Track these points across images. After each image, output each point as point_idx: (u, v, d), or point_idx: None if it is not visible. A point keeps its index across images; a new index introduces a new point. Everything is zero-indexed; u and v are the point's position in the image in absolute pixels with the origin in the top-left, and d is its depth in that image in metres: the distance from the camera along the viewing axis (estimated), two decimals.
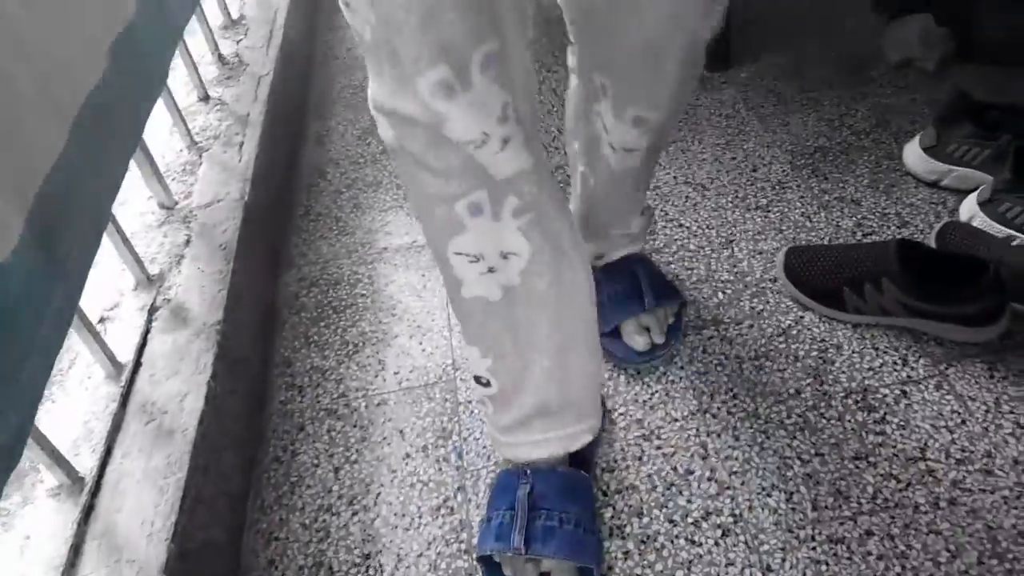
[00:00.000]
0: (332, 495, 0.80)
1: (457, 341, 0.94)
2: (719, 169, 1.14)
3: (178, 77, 1.19)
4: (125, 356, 0.78)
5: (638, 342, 0.85)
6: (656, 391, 0.85)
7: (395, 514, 0.78)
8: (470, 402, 0.87)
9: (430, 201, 0.58)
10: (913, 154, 1.06)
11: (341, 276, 1.06)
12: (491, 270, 0.61)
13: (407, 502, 0.79)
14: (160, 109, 1.06)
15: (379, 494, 0.80)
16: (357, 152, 1.28)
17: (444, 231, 0.59)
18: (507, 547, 0.66)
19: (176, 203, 0.98)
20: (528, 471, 0.70)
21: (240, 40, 1.33)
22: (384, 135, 0.56)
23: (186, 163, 1.06)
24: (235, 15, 1.40)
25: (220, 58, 1.27)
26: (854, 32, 1.38)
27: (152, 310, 0.84)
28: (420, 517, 0.77)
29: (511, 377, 0.67)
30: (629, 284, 0.86)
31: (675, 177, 1.13)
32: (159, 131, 1.10)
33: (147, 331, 0.81)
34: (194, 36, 1.25)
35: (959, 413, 0.78)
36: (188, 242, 0.93)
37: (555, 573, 0.68)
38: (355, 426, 0.87)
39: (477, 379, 0.69)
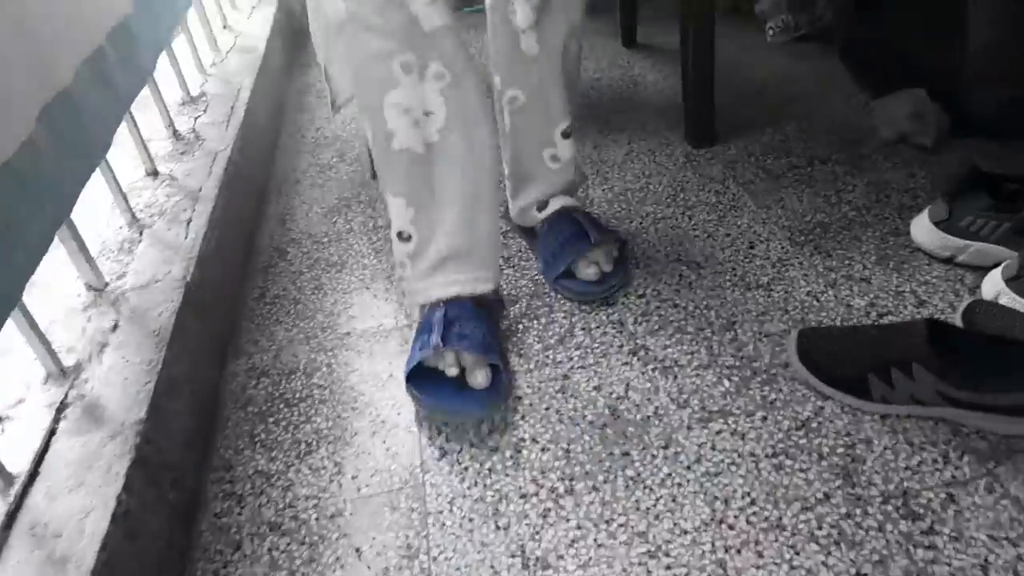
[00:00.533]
0: None
1: (427, 439, 0.82)
2: (713, 246, 1.05)
3: (125, 152, 1.10)
4: (20, 465, 0.65)
5: (589, 273, 0.95)
6: (661, 496, 0.72)
7: None
8: (440, 512, 0.74)
9: (373, 60, 0.75)
10: (923, 229, 0.98)
11: (297, 365, 0.93)
12: (416, 123, 0.78)
13: None
14: (100, 184, 0.96)
15: None
16: (321, 231, 1.18)
17: (382, 86, 0.76)
18: (428, 349, 0.81)
19: (107, 284, 0.86)
20: (443, 304, 0.85)
21: (198, 116, 1.25)
22: (334, 11, 0.73)
23: (124, 241, 0.95)
24: (195, 92, 1.33)
25: (175, 133, 1.18)
26: (842, 110, 1.34)
27: (61, 408, 0.70)
28: None
29: (428, 225, 0.84)
30: (574, 229, 0.97)
31: (666, 255, 1.04)
32: (97, 208, 1.00)
33: (52, 433, 0.68)
34: (147, 111, 1.17)
35: (1019, 521, 0.66)
36: (115, 328, 0.80)
37: (469, 367, 0.82)
38: (303, 543, 0.72)
39: (399, 235, 0.85)
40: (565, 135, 0.98)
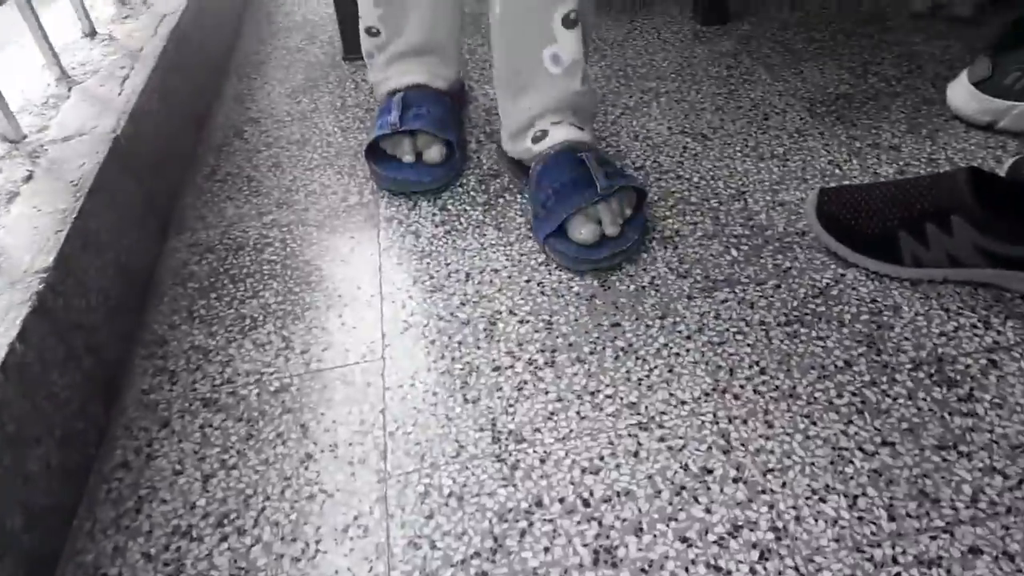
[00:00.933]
0: (195, 513, 0.56)
1: (389, 310, 0.71)
2: (723, 118, 0.93)
3: (61, 12, 0.98)
4: None
5: (583, 234, 0.72)
6: (655, 367, 0.62)
7: (282, 538, 0.54)
8: (400, 386, 0.64)
9: None
10: (962, 92, 0.86)
11: (246, 240, 0.83)
12: None
13: (301, 520, 0.54)
14: (29, 44, 0.85)
15: (263, 510, 0.56)
16: (283, 110, 1.06)
17: None
18: (385, 125, 0.84)
19: (24, 137, 0.75)
20: (403, 89, 0.87)
21: None
22: None
23: (51, 97, 0.83)
24: None
25: None
26: None
27: None
28: (319, 542, 0.53)
29: (395, 21, 0.86)
30: (577, 173, 0.73)
31: (669, 128, 0.93)
32: (24, 70, 0.88)
33: None
34: None
35: None
36: (29, 178, 0.70)
37: (424, 146, 0.85)
38: (240, 420, 0.63)
39: (368, 31, 0.88)
40: (568, 23, 0.73)
